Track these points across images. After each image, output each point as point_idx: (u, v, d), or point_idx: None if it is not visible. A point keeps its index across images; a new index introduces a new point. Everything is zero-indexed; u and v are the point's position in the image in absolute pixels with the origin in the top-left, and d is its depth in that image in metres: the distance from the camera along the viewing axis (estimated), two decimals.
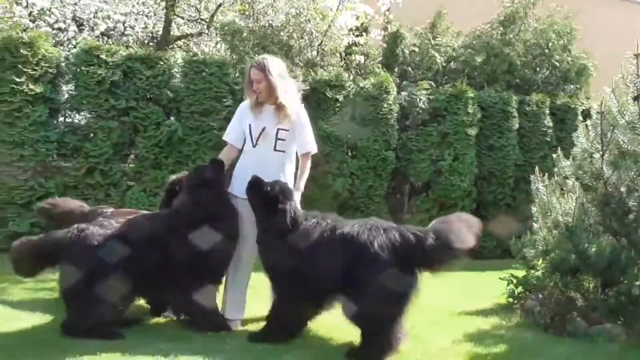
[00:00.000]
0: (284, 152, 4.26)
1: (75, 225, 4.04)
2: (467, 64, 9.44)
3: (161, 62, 7.04)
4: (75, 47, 8.06)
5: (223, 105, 7.10)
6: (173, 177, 4.67)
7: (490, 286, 6.02)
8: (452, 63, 9.57)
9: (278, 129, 4.22)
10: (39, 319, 4.27)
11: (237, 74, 7.38)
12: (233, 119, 4.50)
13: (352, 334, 3.94)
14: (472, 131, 8.20)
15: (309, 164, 4.27)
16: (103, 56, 6.74)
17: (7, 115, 6.31)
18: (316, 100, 7.71)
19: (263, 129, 4.22)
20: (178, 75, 7.18)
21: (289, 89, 4.29)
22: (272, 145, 4.23)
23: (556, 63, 9.57)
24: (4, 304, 4.61)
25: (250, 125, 4.28)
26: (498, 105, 8.45)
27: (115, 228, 4.02)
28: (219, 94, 7.10)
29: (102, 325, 3.85)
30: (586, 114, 8.50)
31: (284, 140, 4.24)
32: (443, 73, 9.45)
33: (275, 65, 4.23)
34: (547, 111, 8.74)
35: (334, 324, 4.17)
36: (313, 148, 4.33)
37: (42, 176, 6.55)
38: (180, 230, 4.00)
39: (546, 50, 9.56)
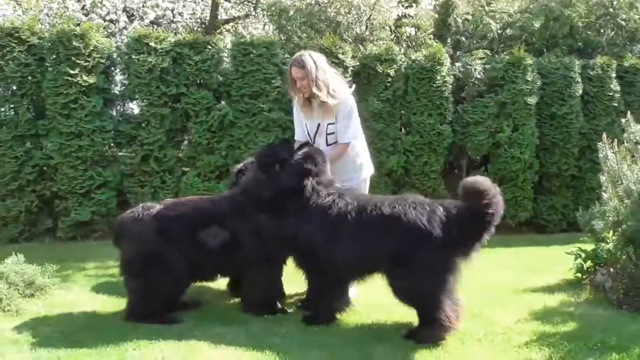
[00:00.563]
0: (334, 143, 4.29)
1: (141, 205, 4.11)
2: (524, 29, 8.97)
3: (209, 47, 7.02)
4: (126, 37, 8.17)
5: (272, 87, 7.02)
6: (240, 165, 4.68)
7: (556, 261, 5.74)
8: (508, 30, 9.11)
9: (327, 124, 4.25)
10: (100, 304, 4.36)
11: (285, 54, 7.29)
12: (295, 120, 4.58)
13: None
14: (532, 100, 7.79)
15: (339, 152, 4.22)
16: (152, 44, 6.79)
17: (63, 107, 6.46)
18: (366, 76, 7.52)
19: (318, 126, 4.29)
20: (226, 59, 7.15)
21: (331, 81, 4.17)
22: (325, 141, 4.29)
23: (622, 22, 8.93)
24: (67, 290, 4.74)
25: (305, 124, 4.38)
26: (559, 71, 7.99)
27: (180, 209, 4.03)
28: (267, 75, 7.02)
29: (161, 308, 3.88)
30: None
31: (333, 133, 4.27)
32: (499, 41, 9.02)
33: (314, 59, 4.16)
34: (614, 75, 8.19)
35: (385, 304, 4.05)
36: (347, 140, 4.24)
37: (99, 165, 6.69)
38: (247, 210, 3.94)
39: (610, 10, 8.94)
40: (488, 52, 8.24)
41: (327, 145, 4.27)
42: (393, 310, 4.02)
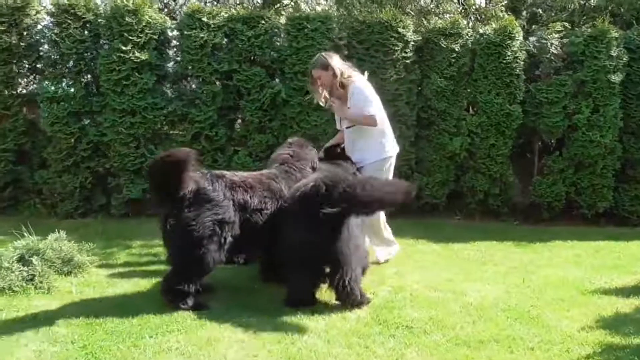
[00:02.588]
0: (353, 126, 4.72)
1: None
2: None
3: (263, 22, 6.75)
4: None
5: None
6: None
7: (636, 260, 5.14)
8: (592, 0, 8.26)
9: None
10: (133, 284, 4.26)
11: (342, 29, 6.91)
12: None
13: None
14: (616, 78, 7.00)
15: (364, 118, 4.54)
16: (205, 19, 6.59)
17: (116, 84, 6.41)
18: (429, 51, 7.04)
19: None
20: (281, 34, 6.87)
21: (345, 72, 4.62)
22: (344, 124, 4.86)
23: None
24: (106, 268, 4.67)
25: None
26: None
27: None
28: (322, 50, 6.64)
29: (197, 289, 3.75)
30: None
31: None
32: (581, 12, 8.19)
33: (325, 58, 4.66)
34: None
35: None
36: (371, 111, 4.52)
37: (151, 143, 6.63)
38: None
39: None
40: (567, 25, 7.47)
41: (347, 128, 4.80)
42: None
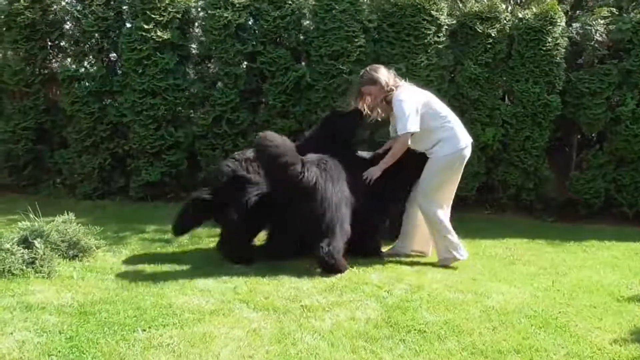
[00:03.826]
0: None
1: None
2: None
3: (289, 2, 6.49)
4: None
5: (354, 46, 6.36)
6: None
7: None
8: None
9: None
10: (138, 271, 4.10)
11: (372, 11, 6.59)
12: None
13: None
14: None
15: (398, 146, 4.54)
16: None
17: (137, 63, 6.26)
18: (464, 36, 6.66)
19: None
20: (307, 15, 6.60)
21: (390, 84, 4.59)
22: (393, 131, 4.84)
23: None
24: (114, 253, 4.55)
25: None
26: None
27: None
28: (350, 33, 6.37)
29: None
30: None
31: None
32: None
33: (372, 72, 4.66)
34: None
35: None
36: (403, 129, 4.46)
37: (172, 125, 6.48)
38: None
39: None
40: (615, 10, 6.97)
41: (395, 133, 4.70)
42: None
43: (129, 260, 4.38)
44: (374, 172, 4.55)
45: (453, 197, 4.77)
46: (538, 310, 3.59)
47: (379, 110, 4.67)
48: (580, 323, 3.40)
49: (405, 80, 4.77)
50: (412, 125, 4.42)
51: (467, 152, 4.64)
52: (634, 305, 3.80)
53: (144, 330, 3.01)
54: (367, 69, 4.76)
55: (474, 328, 3.24)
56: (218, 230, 5.37)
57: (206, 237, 5.18)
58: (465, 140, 4.62)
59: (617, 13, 6.89)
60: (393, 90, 4.55)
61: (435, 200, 4.61)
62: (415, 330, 3.20)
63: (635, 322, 3.45)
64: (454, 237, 4.66)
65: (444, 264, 4.64)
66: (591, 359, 2.95)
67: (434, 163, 4.56)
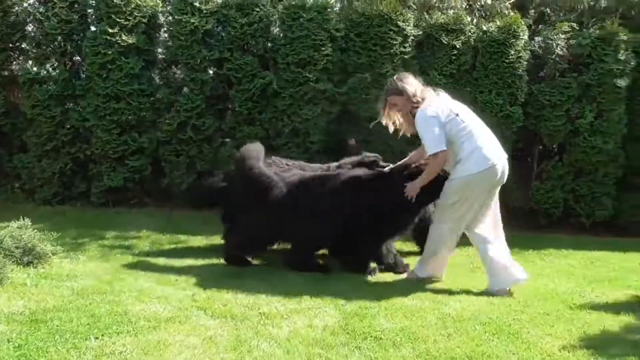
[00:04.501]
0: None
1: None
2: (622, 1, 7.77)
3: (257, 9, 6.50)
4: None
5: (321, 55, 6.40)
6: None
7: (632, 272, 4.87)
8: (602, 1, 7.93)
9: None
10: (94, 279, 4.03)
11: (339, 20, 6.65)
12: None
13: None
14: (623, 82, 6.72)
15: (433, 165, 4.21)
16: (197, 4, 6.35)
17: (101, 67, 6.19)
18: (430, 47, 6.76)
19: None
20: (275, 23, 6.62)
21: (417, 95, 4.27)
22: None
23: None
24: (71, 260, 4.48)
25: None
26: None
27: None
28: (317, 42, 6.41)
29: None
30: None
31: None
32: (591, 13, 7.86)
33: (398, 82, 4.33)
34: None
35: None
36: (429, 150, 4.18)
37: (135, 131, 6.40)
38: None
39: None
40: (575, 25, 7.17)
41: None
42: None
43: (86, 267, 4.31)
44: (411, 191, 4.29)
45: (484, 219, 4.30)
46: (493, 318, 3.64)
47: (406, 124, 4.37)
48: (533, 330, 3.46)
49: (435, 90, 4.42)
50: (438, 144, 4.08)
51: (494, 173, 4.14)
52: (585, 312, 3.88)
53: (97, 338, 2.96)
54: (395, 77, 4.45)
55: (429, 335, 3.27)
56: (180, 237, 5.38)
57: (167, 244, 5.14)
58: (492, 159, 4.13)
59: (577, 28, 7.08)
60: (420, 102, 4.22)
61: (446, 219, 4.26)
62: (371, 337, 3.21)
63: (585, 329, 3.53)
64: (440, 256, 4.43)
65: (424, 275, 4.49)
66: None
67: (451, 183, 4.20)
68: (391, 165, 4.71)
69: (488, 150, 4.16)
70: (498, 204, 4.38)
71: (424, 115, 4.16)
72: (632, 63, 6.77)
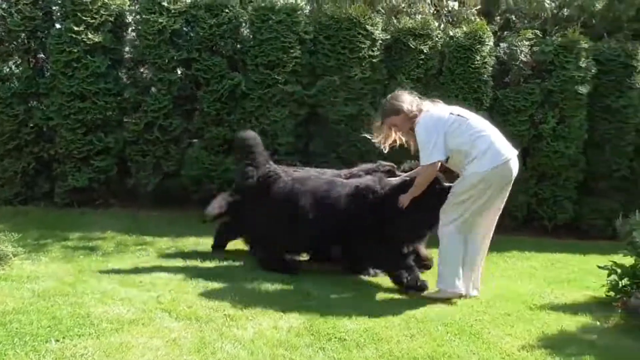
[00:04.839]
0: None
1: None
2: (583, 10, 8.00)
3: (227, 10, 6.49)
4: None
5: (290, 57, 6.43)
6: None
7: (591, 274, 5.01)
8: (565, 9, 8.16)
9: None
10: (56, 280, 3.96)
11: (309, 23, 6.68)
12: None
13: None
14: (584, 89, 6.91)
15: (424, 175, 4.14)
16: (165, 3, 6.31)
17: (65, 66, 6.09)
18: (398, 51, 6.84)
19: None
20: (244, 24, 6.62)
21: (414, 111, 4.20)
22: None
23: None
24: (33, 261, 4.40)
25: None
26: (619, 59, 7.06)
27: None
28: (286, 44, 6.43)
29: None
30: None
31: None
32: (553, 21, 8.08)
33: (394, 102, 4.26)
34: None
35: None
36: (423, 160, 4.09)
37: (101, 130, 6.31)
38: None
39: None
40: (539, 33, 7.35)
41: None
42: None
43: (48, 269, 4.23)
44: (403, 201, 4.21)
45: (492, 224, 4.27)
46: (456, 319, 3.71)
47: (412, 142, 4.27)
48: (494, 330, 3.54)
49: (433, 101, 4.31)
50: (435, 155, 3.99)
51: (508, 168, 4.02)
52: (544, 313, 4.00)
53: (58, 340, 2.92)
54: (388, 98, 4.36)
55: (393, 336, 3.32)
56: (145, 238, 5.33)
57: (132, 245, 5.09)
58: (505, 154, 4.01)
59: (541, 36, 7.26)
60: (417, 115, 4.13)
61: (452, 216, 4.08)
62: (335, 338, 3.24)
63: (544, 329, 3.63)
64: (451, 268, 4.11)
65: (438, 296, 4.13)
66: None
67: (463, 180, 4.05)
68: (404, 175, 4.61)
69: (501, 146, 4.05)
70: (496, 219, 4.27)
71: (424, 124, 4.08)
72: (592, 70, 6.96)
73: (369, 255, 4.50)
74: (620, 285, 4.30)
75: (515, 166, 4.08)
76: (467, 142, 4.02)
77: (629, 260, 4.34)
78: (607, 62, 7.08)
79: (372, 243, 4.37)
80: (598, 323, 3.85)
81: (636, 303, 3.85)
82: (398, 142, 4.40)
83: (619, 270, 4.30)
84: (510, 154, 4.06)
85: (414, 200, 4.19)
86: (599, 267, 4.43)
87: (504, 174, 4.03)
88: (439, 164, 4.06)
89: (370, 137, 4.51)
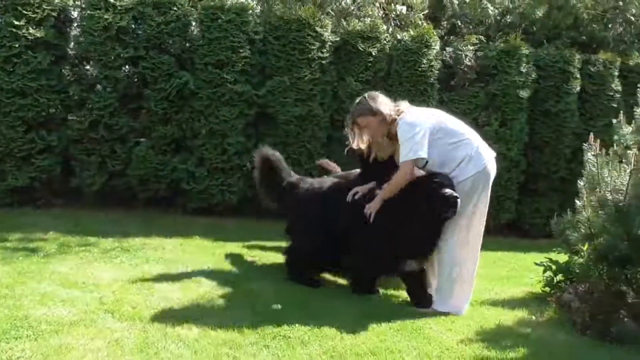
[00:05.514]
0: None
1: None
2: (525, 17, 8.33)
3: (175, 8, 6.43)
4: None
5: (240, 57, 6.43)
6: None
7: (529, 271, 5.20)
8: (508, 16, 8.46)
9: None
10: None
11: (258, 23, 6.69)
12: None
13: None
14: (525, 93, 7.21)
15: (400, 175, 3.89)
16: (111, 0, 6.19)
17: (6, 61, 5.90)
18: (347, 53, 6.93)
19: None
20: (193, 23, 6.57)
21: (392, 114, 3.99)
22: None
23: (632, 18, 8.27)
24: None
25: None
26: (557, 65, 7.39)
27: None
28: (235, 43, 6.42)
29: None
30: None
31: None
32: (497, 27, 8.37)
33: (371, 102, 4.02)
34: (616, 73, 7.59)
35: None
36: (404, 156, 3.87)
37: (44, 128, 6.14)
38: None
39: (620, 3, 8.28)
40: (483, 38, 7.61)
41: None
42: None
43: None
44: (372, 206, 3.95)
45: (483, 229, 4.07)
46: (401, 315, 3.80)
47: (379, 146, 4.09)
48: (435, 326, 3.65)
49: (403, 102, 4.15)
50: (419, 150, 3.78)
51: (491, 169, 3.97)
52: (484, 308, 4.15)
53: None
54: (365, 96, 4.10)
55: (337, 333, 3.37)
56: (89, 239, 5.21)
57: (76, 246, 4.96)
58: (487, 156, 3.95)
59: (484, 41, 7.52)
60: (396, 120, 3.93)
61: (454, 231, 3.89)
62: (280, 336, 3.27)
63: (483, 323, 3.77)
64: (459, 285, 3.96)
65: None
66: (439, 358, 3.18)
67: (460, 188, 3.81)
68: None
69: (484, 147, 4.00)
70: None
71: (409, 120, 3.89)
72: (533, 76, 7.26)
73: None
74: (555, 281, 4.52)
75: (493, 168, 4.02)
76: (453, 146, 3.90)
77: (563, 258, 4.56)
78: (547, 67, 7.39)
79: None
80: (533, 317, 4.02)
81: (568, 298, 4.04)
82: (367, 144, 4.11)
83: (553, 267, 4.52)
84: (490, 156, 4.01)
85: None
86: (536, 264, 4.64)
87: (486, 177, 3.94)
88: (419, 162, 3.87)
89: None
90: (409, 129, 3.84)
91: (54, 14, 6.09)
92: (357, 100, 4.16)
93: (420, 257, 4.02)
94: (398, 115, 3.96)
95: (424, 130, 3.82)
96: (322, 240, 4.19)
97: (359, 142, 4.08)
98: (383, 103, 4.02)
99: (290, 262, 4.50)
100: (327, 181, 4.72)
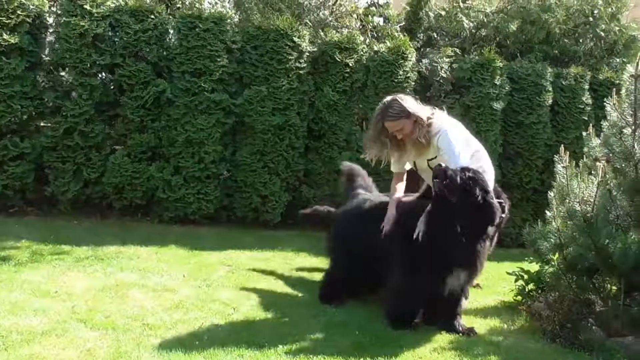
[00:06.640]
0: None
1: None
2: (499, 31, 8.47)
3: (152, 16, 6.43)
4: None
5: (217, 65, 6.44)
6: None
7: (502, 280, 5.28)
8: (482, 30, 8.61)
9: (427, 160, 4.01)
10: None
11: (236, 33, 6.71)
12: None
13: None
14: (498, 105, 7.31)
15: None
16: (87, 6, 6.16)
17: None
18: (324, 64, 6.98)
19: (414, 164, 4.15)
20: (171, 31, 6.57)
21: (424, 118, 3.88)
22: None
23: (602, 33, 8.47)
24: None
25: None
26: (530, 78, 7.52)
27: None
28: (213, 52, 6.43)
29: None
30: None
31: None
32: (472, 40, 8.52)
33: (403, 103, 3.91)
34: (587, 86, 7.75)
35: None
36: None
37: (17, 135, 6.07)
38: None
39: (591, 19, 8.47)
40: (458, 50, 7.73)
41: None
42: None
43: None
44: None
45: None
46: (374, 324, 3.82)
47: (411, 152, 3.96)
48: (408, 336, 3.68)
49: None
50: (467, 157, 3.74)
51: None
52: None
53: None
54: (396, 98, 3.97)
55: (310, 343, 3.39)
56: (63, 247, 5.15)
57: (49, 255, 4.91)
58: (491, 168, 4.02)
59: (460, 53, 7.63)
60: (432, 124, 3.82)
61: None
62: (255, 344, 3.28)
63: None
64: None
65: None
66: None
67: None
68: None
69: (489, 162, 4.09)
70: None
71: (454, 135, 3.80)
72: (506, 88, 7.38)
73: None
74: (526, 290, 4.59)
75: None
76: (472, 161, 3.84)
77: (534, 267, 4.64)
78: (520, 80, 7.52)
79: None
80: (505, 326, 4.09)
81: (538, 307, 4.12)
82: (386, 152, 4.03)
83: (525, 276, 4.59)
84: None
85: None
86: (508, 273, 4.71)
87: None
88: None
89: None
90: (456, 144, 3.76)
91: (29, 20, 6.03)
92: (384, 104, 3.98)
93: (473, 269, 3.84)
94: (429, 118, 3.87)
95: (464, 138, 3.89)
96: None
97: (379, 151, 4.00)
98: (416, 104, 3.95)
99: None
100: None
